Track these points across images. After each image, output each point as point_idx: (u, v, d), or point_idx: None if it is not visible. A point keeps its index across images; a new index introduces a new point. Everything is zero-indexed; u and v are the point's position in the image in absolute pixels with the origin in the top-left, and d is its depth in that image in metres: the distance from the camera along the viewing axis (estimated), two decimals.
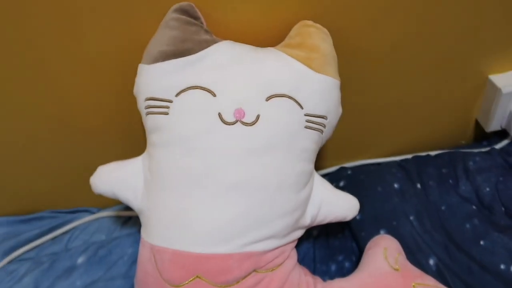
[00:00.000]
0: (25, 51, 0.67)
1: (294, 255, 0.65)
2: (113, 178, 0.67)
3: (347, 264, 0.74)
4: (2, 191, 0.86)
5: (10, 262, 0.80)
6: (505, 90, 0.77)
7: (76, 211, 0.88)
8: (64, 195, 0.88)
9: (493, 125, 0.82)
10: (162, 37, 0.61)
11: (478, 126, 0.87)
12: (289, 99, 0.59)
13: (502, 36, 0.75)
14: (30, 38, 0.65)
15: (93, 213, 0.87)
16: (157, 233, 0.61)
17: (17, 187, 0.86)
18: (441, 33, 0.73)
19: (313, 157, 0.64)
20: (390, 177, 0.81)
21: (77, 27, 0.65)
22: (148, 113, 0.61)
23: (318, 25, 0.64)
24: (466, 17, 0.71)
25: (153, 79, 0.60)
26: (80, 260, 0.78)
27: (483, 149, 0.84)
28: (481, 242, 0.71)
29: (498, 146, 0.84)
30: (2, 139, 0.78)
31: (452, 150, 0.85)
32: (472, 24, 0.72)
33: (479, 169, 0.79)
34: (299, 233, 0.65)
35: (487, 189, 0.77)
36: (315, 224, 0.66)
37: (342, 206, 0.67)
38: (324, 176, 0.77)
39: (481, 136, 0.89)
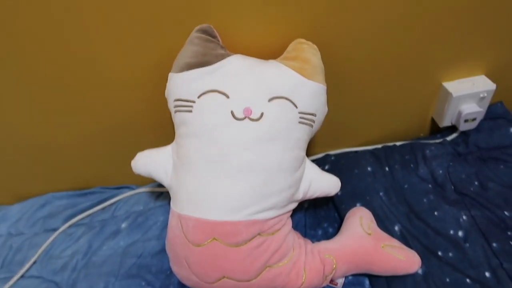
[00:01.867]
0: (86, 65, 0.67)
1: (289, 223, 0.64)
2: (149, 162, 0.66)
3: (330, 230, 0.73)
4: (64, 172, 0.85)
5: (69, 227, 0.79)
6: (455, 94, 0.75)
7: (120, 188, 0.87)
8: (111, 175, 0.86)
9: (446, 122, 0.81)
10: (187, 52, 0.60)
11: (433, 123, 0.86)
12: (287, 100, 0.58)
13: (452, 51, 0.73)
14: (91, 55, 0.65)
15: (133, 189, 0.86)
16: (183, 205, 0.60)
17: (75, 169, 0.85)
18: (405, 49, 0.71)
19: (305, 146, 0.63)
20: (364, 162, 0.79)
21: (124, 45, 0.64)
22: (176, 111, 0.60)
23: (309, 43, 0.63)
24: (423, 37, 0.70)
25: (180, 84, 0.59)
26: (123, 225, 0.78)
27: (437, 141, 0.82)
28: (435, 213, 0.70)
29: (449, 138, 0.82)
30: (65, 133, 0.77)
31: (413, 141, 0.84)
32: (428, 42, 0.71)
33: (434, 156, 0.78)
34: (294, 205, 0.64)
35: (440, 171, 0.75)
36: (306, 198, 0.65)
37: (327, 184, 0.66)
38: (313, 161, 0.76)
39: (436, 130, 0.87)
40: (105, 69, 0.67)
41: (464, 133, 0.82)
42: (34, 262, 0.75)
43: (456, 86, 0.77)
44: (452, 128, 0.84)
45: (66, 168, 0.84)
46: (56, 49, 0.64)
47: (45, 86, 0.69)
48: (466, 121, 0.78)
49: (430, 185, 0.74)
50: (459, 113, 0.78)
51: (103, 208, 0.82)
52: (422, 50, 0.72)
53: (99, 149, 0.81)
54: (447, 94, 0.77)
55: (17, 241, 0.78)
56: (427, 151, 0.79)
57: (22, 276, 0.73)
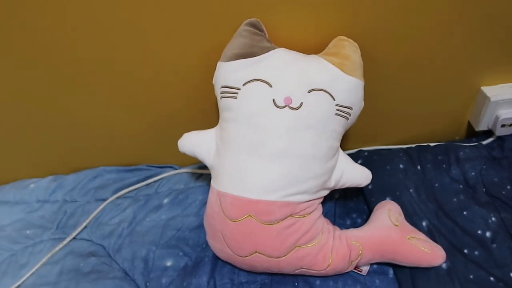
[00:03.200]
0: (140, 56, 0.72)
1: (320, 208, 0.67)
2: (194, 142, 0.70)
3: (359, 221, 0.75)
4: (115, 150, 0.91)
5: (117, 198, 0.86)
6: (493, 99, 0.76)
7: (164, 167, 0.92)
8: (156, 155, 0.91)
9: (482, 126, 0.81)
10: (236, 43, 0.64)
11: (469, 126, 0.86)
12: (325, 93, 0.61)
13: (492, 56, 0.74)
14: (144, 45, 0.70)
15: (176, 169, 0.90)
16: (222, 183, 0.64)
17: (125, 147, 0.90)
18: (444, 52, 0.72)
19: (339, 137, 0.65)
20: (397, 159, 0.81)
21: (178, 37, 0.69)
22: (222, 97, 0.65)
23: (350, 40, 0.65)
24: (463, 41, 0.71)
25: (227, 72, 0.63)
26: (165, 200, 0.83)
27: (472, 144, 0.83)
28: (464, 212, 0.71)
29: (484, 142, 0.82)
30: (119, 115, 0.83)
31: (447, 143, 0.84)
32: (468, 45, 0.72)
33: (467, 158, 0.78)
34: (325, 192, 0.67)
35: (472, 173, 0.76)
36: (337, 187, 0.68)
37: (359, 175, 0.68)
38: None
39: (472, 134, 0.87)
40: (159, 57, 0.72)
41: (500, 138, 0.82)
42: (85, 227, 0.82)
43: (495, 91, 0.77)
44: (489, 133, 0.84)
45: (117, 146, 0.90)
46: (114, 39, 0.69)
47: (103, 71, 0.75)
48: (503, 126, 0.78)
49: (461, 186, 0.75)
50: (496, 118, 0.78)
51: (148, 184, 0.87)
52: (461, 54, 0.73)
53: (148, 130, 0.86)
54: (485, 98, 0.77)
55: (71, 207, 0.86)
56: (461, 153, 0.79)
57: (74, 238, 0.80)
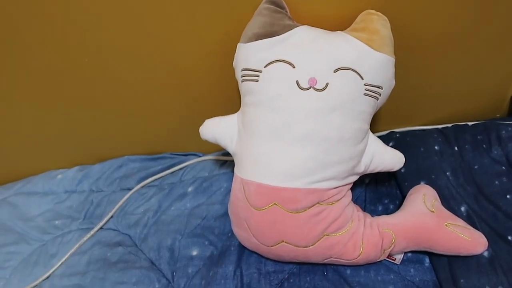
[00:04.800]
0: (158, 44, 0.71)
1: (349, 195, 0.64)
2: (216, 128, 0.69)
3: (391, 207, 0.72)
4: (139, 139, 0.91)
5: (142, 187, 0.86)
6: None
7: (188, 154, 0.91)
8: (180, 142, 0.91)
9: None
10: (256, 22, 0.61)
11: None
12: (352, 72, 0.57)
13: None
14: (161, 31, 0.69)
15: (200, 156, 0.90)
16: (246, 170, 0.62)
17: (148, 136, 0.91)
18: (484, 22, 0.67)
19: (369, 119, 0.62)
20: (432, 140, 0.76)
21: (196, 18, 0.67)
22: (243, 80, 0.62)
23: (379, 13, 0.61)
24: (503, 10, 0.65)
25: (248, 54, 0.61)
26: (190, 189, 0.83)
27: None
28: (507, 196, 0.66)
29: None
30: (142, 104, 0.82)
31: (487, 121, 0.78)
32: (509, 16, 0.66)
33: (510, 137, 0.72)
34: (354, 178, 0.64)
35: None
36: (368, 172, 0.65)
37: (390, 158, 0.64)
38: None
39: None
40: (178, 43, 0.71)
41: None
42: (111, 217, 0.82)
43: None
44: None
45: (140, 135, 0.91)
46: (135, 26, 0.68)
47: (125, 60, 0.74)
48: None
49: (503, 167, 0.70)
50: None
51: (172, 172, 0.87)
52: (502, 24, 0.67)
53: (171, 118, 0.86)
54: None
55: (97, 197, 0.87)
56: (503, 132, 0.74)
57: (101, 228, 0.81)
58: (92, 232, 0.80)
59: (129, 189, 0.86)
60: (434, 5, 0.64)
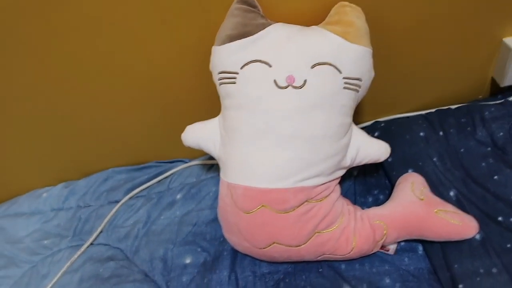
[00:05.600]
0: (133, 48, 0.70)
1: (338, 190, 0.64)
2: (198, 134, 0.68)
3: (381, 197, 0.72)
4: (122, 150, 0.90)
5: (129, 198, 0.85)
6: None
7: (174, 161, 0.91)
8: (164, 150, 0.90)
9: (507, 81, 0.75)
10: (228, 24, 0.60)
11: (494, 83, 0.80)
12: (330, 66, 0.57)
13: None
14: (137, 34, 0.68)
15: (186, 162, 0.89)
16: (231, 174, 0.62)
17: (132, 146, 0.90)
18: (459, 5, 0.67)
19: (350, 112, 0.62)
20: (417, 127, 0.76)
21: (169, 24, 0.66)
22: (221, 83, 0.62)
23: (352, 5, 0.61)
24: None
25: (223, 57, 0.60)
26: (178, 196, 0.82)
27: (498, 101, 0.76)
28: (495, 177, 0.66)
29: (511, 98, 0.77)
30: (121, 115, 0.82)
31: (470, 104, 0.79)
32: None
33: (493, 118, 0.73)
34: (341, 172, 0.64)
35: (501, 133, 0.70)
36: (354, 165, 0.65)
37: (375, 150, 0.64)
38: (362, 128, 0.74)
39: (497, 91, 0.81)
40: (153, 49, 0.70)
41: None
42: (101, 232, 0.81)
43: None
44: None
45: (124, 146, 0.90)
46: (110, 36, 0.68)
47: (101, 72, 0.73)
48: None
49: (489, 148, 0.70)
50: None
51: (159, 181, 0.86)
52: (479, 4, 0.67)
53: (153, 126, 0.85)
54: (509, 50, 0.71)
55: (85, 213, 0.85)
56: (486, 113, 0.74)
57: (91, 244, 0.80)
58: (82, 249, 0.79)
59: (117, 202, 0.85)
60: None
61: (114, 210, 0.82)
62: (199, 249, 0.73)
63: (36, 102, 0.78)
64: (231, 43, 0.59)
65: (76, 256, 0.78)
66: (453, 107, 0.80)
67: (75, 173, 0.93)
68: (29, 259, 0.81)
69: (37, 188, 0.95)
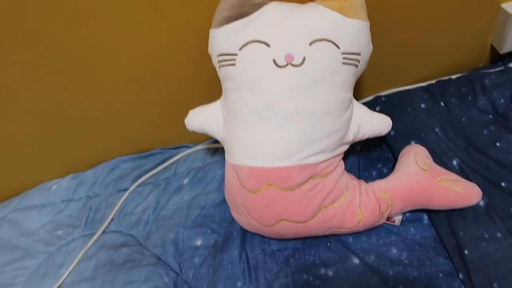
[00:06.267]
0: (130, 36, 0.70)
1: (341, 165, 0.65)
2: (201, 118, 0.69)
3: (385, 170, 0.73)
4: (127, 138, 0.91)
5: (138, 186, 0.86)
6: None
7: (179, 147, 0.91)
8: (169, 137, 0.90)
9: (507, 47, 0.75)
10: (224, 5, 0.60)
11: (493, 50, 0.80)
12: (328, 42, 0.57)
13: None
14: (134, 19, 0.68)
15: (191, 147, 0.89)
16: (236, 155, 0.63)
17: (137, 134, 0.90)
18: None
19: (351, 87, 0.62)
20: (418, 99, 0.76)
21: (165, 9, 0.66)
22: (220, 66, 0.62)
23: None
24: None
25: (221, 39, 0.60)
26: (185, 181, 0.83)
27: (498, 69, 0.76)
28: (497, 144, 0.67)
29: (511, 64, 0.76)
30: (125, 103, 0.82)
31: (470, 73, 0.79)
32: None
33: (494, 85, 0.73)
34: (345, 147, 0.64)
35: (502, 100, 0.71)
36: (357, 140, 0.65)
37: (377, 123, 0.65)
38: (363, 103, 0.74)
39: (497, 58, 0.81)
40: (151, 36, 0.70)
41: None
42: (112, 219, 0.83)
43: None
44: None
45: (128, 134, 0.90)
46: (108, 24, 0.67)
47: (101, 59, 0.73)
48: None
49: (490, 116, 0.71)
50: None
51: (166, 167, 0.87)
52: None
53: (156, 113, 0.85)
54: (507, 16, 0.71)
55: (95, 202, 0.87)
56: (487, 81, 0.74)
57: (103, 232, 0.82)
58: (95, 237, 0.80)
59: (125, 190, 0.85)
60: None
61: (123, 198, 0.83)
62: (209, 231, 0.74)
63: (41, 96, 0.78)
64: (229, 24, 0.59)
65: (89, 244, 0.79)
66: (453, 77, 0.80)
67: (82, 164, 0.94)
68: (45, 250, 0.83)
69: (46, 181, 0.96)
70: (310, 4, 0.60)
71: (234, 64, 0.59)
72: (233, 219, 0.71)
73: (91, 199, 0.88)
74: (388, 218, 0.65)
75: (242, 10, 0.58)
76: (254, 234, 0.70)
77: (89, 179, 0.91)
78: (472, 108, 0.72)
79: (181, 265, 0.72)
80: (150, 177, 0.87)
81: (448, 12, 0.72)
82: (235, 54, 0.59)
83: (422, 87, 0.80)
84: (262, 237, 0.69)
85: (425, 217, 0.65)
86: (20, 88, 0.76)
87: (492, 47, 0.79)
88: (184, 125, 0.72)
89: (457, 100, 0.74)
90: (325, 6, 0.58)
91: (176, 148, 0.91)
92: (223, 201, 0.75)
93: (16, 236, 0.87)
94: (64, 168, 0.95)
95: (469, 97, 0.74)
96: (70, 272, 0.77)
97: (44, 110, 0.82)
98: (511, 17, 0.70)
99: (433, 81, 0.80)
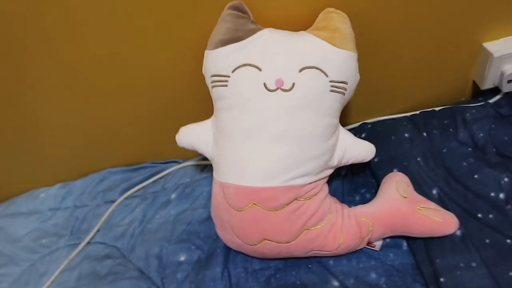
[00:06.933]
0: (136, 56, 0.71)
1: (325, 188, 0.66)
2: (191, 135, 0.70)
3: (368, 196, 0.74)
4: (118, 150, 0.91)
5: (125, 198, 0.86)
6: (496, 54, 0.72)
7: (168, 162, 0.91)
8: (159, 151, 0.91)
9: (487, 84, 0.78)
10: (220, 29, 0.62)
11: (475, 85, 0.82)
12: (317, 70, 0.59)
13: (492, 10, 0.70)
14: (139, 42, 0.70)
15: (180, 163, 0.89)
16: (224, 173, 0.64)
17: (127, 147, 0.90)
18: (441, 11, 0.69)
19: (337, 114, 0.64)
20: (402, 128, 0.78)
21: (165, 29, 0.68)
22: (213, 86, 0.63)
23: (338, 11, 0.63)
24: None
25: (215, 60, 0.62)
26: (173, 196, 0.83)
27: (479, 103, 0.79)
28: (475, 176, 0.68)
29: (491, 100, 0.79)
30: (117, 116, 0.82)
31: (453, 106, 0.81)
32: (466, 3, 0.68)
33: (475, 119, 0.75)
34: (329, 171, 0.65)
35: (481, 134, 0.73)
36: (341, 164, 0.66)
37: (362, 150, 0.66)
38: (349, 130, 0.76)
39: (478, 93, 0.83)
40: (147, 50, 0.71)
41: (507, 95, 0.78)
42: (98, 230, 0.82)
43: (497, 46, 0.73)
44: (495, 90, 0.80)
45: (120, 147, 0.90)
46: (106, 36, 0.69)
47: (96, 72, 0.74)
48: (509, 81, 0.75)
49: (470, 149, 0.73)
50: (502, 74, 0.74)
51: (154, 181, 0.88)
52: (459, 10, 0.69)
53: (148, 127, 0.86)
54: (488, 54, 0.74)
55: (82, 212, 0.86)
56: (467, 115, 0.76)
57: (88, 242, 0.81)
58: (79, 248, 0.80)
59: (113, 202, 0.86)
60: None
61: (110, 209, 0.83)
62: (193, 247, 0.74)
63: (32, 103, 0.79)
64: (223, 47, 0.60)
65: (73, 254, 0.79)
66: (436, 109, 0.82)
67: (72, 173, 0.94)
68: (28, 257, 0.82)
69: (35, 189, 0.96)
70: (302, 32, 0.62)
71: (226, 85, 0.61)
72: (217, 236, 0.72)
73: (78, 209, 0.88)
74: (369, 243, 0.66)
75: (237, 35, 0.60)
76: (238, 252, 0.70)
77: (77, 189, 0.91)
78: (453, 140, 0.75)
79: (164, 280, 0.71)
80: (139, 190, 0.87)
81: (433, 48, 0.75)
82: (228, 76, 0.60)
83: (406, 117, 0.82)
84: (245, 255, 0.70)
85: (404, 244, 0.66)
86: (14, 93, 0.77)
87: (474, 83, 0.82)
88: (175, 141, 0.72)
89: (439, 132, 0.76)
90: (316, 35, 0.60)
91: (166, 162, 0.91)
92: (209, 218, 0.75)
93: (1, 242, 0.86)
94: (53, 177, 0.95)
95: (451, 129, 0.76)
96: (53, 281, 0.76)
97: (35, 118, 0.82)
98: (491, 55, 0.73)
99: (417, 112, 0.83)
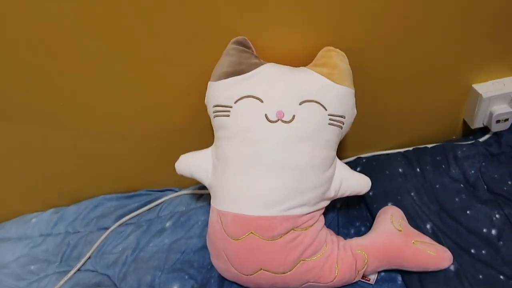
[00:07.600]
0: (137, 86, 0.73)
1: (322, 220, 0.66)
2: (191, 163, 0.70)
3: (363, 229, 0.74)
4: (114, 177, 0.91)
5: (119, 225, 0.85)
6: (485, 96, 0.76)
7: (164, 190, 0.91)
8: (156, 178, 0.91)
9: (477, 123, 0.81)
10: (224, 62, 0.64)
11: (465, 124, 0.86)
12: (316, 103, 0.61)
13: (482, 54, 0.74)
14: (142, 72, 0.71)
15: (176, 191, 0.89)
16: (222, 202, 0.64)
17: (123, 174, 0.90)
18: (434, 54, 0.73)
19: (335, 146, 0.65)
20: (396, 164, 0.81)
21: (169, 61, 0.70)
22: (215, 116, 0.65)
23: (337, 50, 0.66)
24: (451, 40, 0.71)
25: (218, 91, 0.64)
26: (167, 224, 0.82)
27: (469, 142, 0.82)
28: (468, 212, 0.70)
29: (481, 139, 0.82)
30: (115, 143, 0.83)
31: (444, 143, 0.84)
32: (457, 44, 0.72)
33: (466, 157, 0.78)
34: (326, 203, 0.66)
35: (472, 171, 0.75)
36: (337, 196, 0.67)
37: (358, 183, 0.68)
38: (345, 163, 0.77)
39: (469, 132, 0.87)
40: (151, 80, 0.73)
41: (496, 134, 0.81)
42: (89, 257, 0.81)
43: (486, 87, 0.77)
44: (485, 129, 0.83)
45: (116, 173, 0.90)
46: (108, 64, 0.70)
47: (97, 98, 0.75)
48: (498, 121, 0.78)
49: (462, 185, 0.75)
50: (491, 114, 0.78)
51: (149, 209, 0.87)
52: (450, 54, 0.74)
53: (146, 155, 0.86)
54: (477, 95, 0.77)
55: (74, 239, 0.85)
56: (459, 152, 0.79)
57: (78, 270, 0.79)
58: (69, 275, 0.78)
59: (106, 229, 0.84)
60: (386, 40, 0.70)
61: (103, 236, 0.82)
62: (186, 277, 0.73)
63: (27, 129, 0.79)
64: (227, 79, 0.62)
65: (62, 282, 0.77)
66: (429, 146, 0.84)
67: (66, 199, 0.93)
68: (15, 285, 0.80)
69: (26, 214, 0.94)
70: (302, 68, 0.65)
71: (228, 115, 0.62)
72: (211, 266, 0.71)
73: (70, 235, 0.86)
74: (364, 276, 0.66)
75: (240, 68, 0.63)
76: (232, 283, 0.69)
77: (70, 215, 0.89)
78: (445, 176, 0.77)
79: None
80: (133, 217, 0.86)
81: (423, 87, 0.78)
82: (230, 106, 0.62)
83: (400, 153, 0.84)
84: (239, 286, 0.69)
85: (399, 278, 0.66)
86: (7, 118, 0.77)
87: (465, 122, 0.86)
88: (172, 168, 0.72)
89: (432, 168, 0.78)
90: (315, 71, 0.63)
91: (162, 191, 0.91)
92: (204, 248, 0.75)
93: None
94: (46, 202, 0.93)
95: (443, 166, 0.78)
96: None
97: (30, 143, 0.82)
98: (480, 96, 0.76)
99: (410, 148, 0.85)
